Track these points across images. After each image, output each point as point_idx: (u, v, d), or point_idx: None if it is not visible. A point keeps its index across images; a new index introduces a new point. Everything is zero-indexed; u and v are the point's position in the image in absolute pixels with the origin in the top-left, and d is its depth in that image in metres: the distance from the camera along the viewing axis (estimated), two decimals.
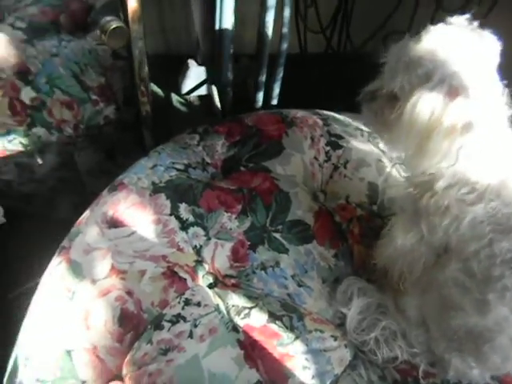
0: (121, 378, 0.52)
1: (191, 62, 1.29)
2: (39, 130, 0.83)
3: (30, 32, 0.82)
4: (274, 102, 0.87)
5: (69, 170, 0.96)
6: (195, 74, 1.30)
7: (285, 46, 0.78)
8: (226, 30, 0.72)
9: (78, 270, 0.56)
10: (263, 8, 0.71)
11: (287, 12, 0.74)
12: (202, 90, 1.34)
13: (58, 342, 0.52)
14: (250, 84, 0.91)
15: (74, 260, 0.57)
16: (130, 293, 0.55)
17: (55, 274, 0.57)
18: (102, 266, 0.56)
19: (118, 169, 1.05)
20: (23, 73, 0.78)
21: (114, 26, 0.65)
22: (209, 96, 1.32)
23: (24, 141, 0.83)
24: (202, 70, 1.30)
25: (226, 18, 0.70)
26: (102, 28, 0.66)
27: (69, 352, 0.51)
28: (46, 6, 0.88)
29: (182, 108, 1.32)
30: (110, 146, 0.98)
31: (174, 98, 1.33)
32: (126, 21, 0.67)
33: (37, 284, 0.70)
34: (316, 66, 1.19)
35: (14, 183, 0.95)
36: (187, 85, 1.32)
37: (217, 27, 0.72)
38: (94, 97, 0.84)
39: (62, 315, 0.53)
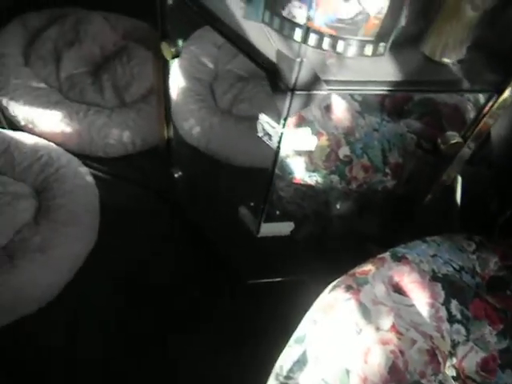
0: None
1: None
2: (335, 178, 1.08)
3: (363, 105, 1.08)
4: None
5: (328, 209, 1.21)
6: None
7: None
8: None
9: (366, 313, 0.76)
10: None
11: None
12: None
13: (342, 358, 0.72)
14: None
15: (364, 304, 0.77)
16: (402, 352, 0.72)
17: (345, 306, 0.78)
18: (386, 320, 0.75)
19: (360, 224, 1.26)
20: (349, 135, 1.04)
21: (455, 141, 0.84)
22: None
23: (319, 180, 1.10)
24: None
25: None
26: (443, 139, 0.85)
27: (348, 371, 0.71)
28: None
29: None
30: (365, 205, 1.20)
31: None
32: (464, 136, 0.86)
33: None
34: None
35: (284, 200, 1.24)
36: None
37: None
38: (387, 170, 1.06)
39: (349, 341, 0.73)
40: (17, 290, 1.02)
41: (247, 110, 1.45)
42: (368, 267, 0.86)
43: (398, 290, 0.79)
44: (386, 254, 0.88)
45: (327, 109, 1.06)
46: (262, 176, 1.26)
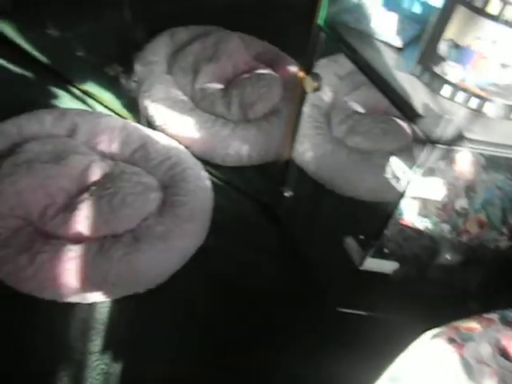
0: None
1: None
2: (446, 227, 1.10)
3: (489, 161, 1.09)
4: None
5: (430, 256, 1.22)
6: None
7: None
8: None
9: (469, 370, 0.77)
10: None
11: None
12: None
13: None
14: None
15: (467, 360, 0.79)
16: None
17: (447, 358, 0.80)
18: (489, 382, 0.76)
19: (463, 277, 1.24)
20: (470, 188, 1.06)
21: None
22: None
23: (429, 226, 1.12)
24: None
25: None
26: None
27: None
28: None
29: None
30: (472, 260, 1.18)
31: None
32: None
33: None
34: None
35: (385, 238, 1.27)
36: None
37: None
38: (504, 230, 1.05)
39: None
40: (136, 270, 1.18)
41: (360, 142, 1.51)
42: (473, 324, 0.86)
43: (504, 354, 0.79)
44: (495, 316, 0.87)
45: (451, 159, 1.08)
46: (368, 210, 1.31)
